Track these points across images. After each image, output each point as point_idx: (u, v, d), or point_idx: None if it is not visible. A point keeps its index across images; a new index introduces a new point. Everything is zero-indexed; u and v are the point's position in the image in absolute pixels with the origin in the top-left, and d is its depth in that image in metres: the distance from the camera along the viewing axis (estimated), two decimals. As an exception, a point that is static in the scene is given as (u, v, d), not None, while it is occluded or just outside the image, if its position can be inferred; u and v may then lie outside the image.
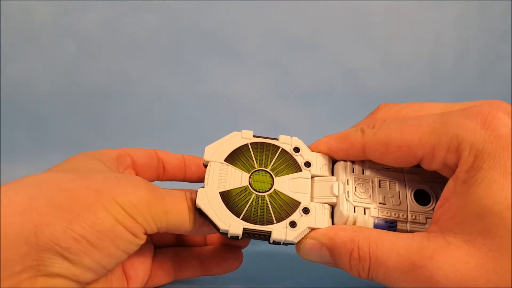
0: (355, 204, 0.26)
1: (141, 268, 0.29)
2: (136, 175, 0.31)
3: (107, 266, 0.24)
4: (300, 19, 0.61)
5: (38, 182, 0.23)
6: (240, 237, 0.25)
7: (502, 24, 0.61)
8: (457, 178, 0.22)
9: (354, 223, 0.26)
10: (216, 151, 0.28)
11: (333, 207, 0.27)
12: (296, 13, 0.60)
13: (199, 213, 0.26)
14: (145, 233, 0.25)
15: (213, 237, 0.33)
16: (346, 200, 0.26)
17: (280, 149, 0.29)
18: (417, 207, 0.27)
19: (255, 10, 0.60)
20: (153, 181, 0.33)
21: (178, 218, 0.25)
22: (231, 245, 0.32)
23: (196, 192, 0.27)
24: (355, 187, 0.27)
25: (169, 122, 0.59)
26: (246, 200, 0.26)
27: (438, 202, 0.24)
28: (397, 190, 0.27)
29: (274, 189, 0.27)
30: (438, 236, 0.22)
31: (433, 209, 0.26)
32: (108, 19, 0.59)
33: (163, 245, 0.32)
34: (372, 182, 0.27)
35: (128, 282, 0.28)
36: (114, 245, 0.23)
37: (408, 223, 0.26)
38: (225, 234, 0.25)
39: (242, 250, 0.32)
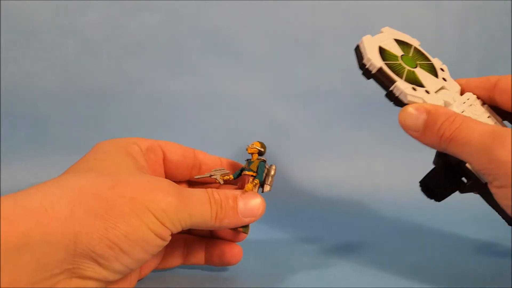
0: (463, 108, 0.31)
1: (155, 256, 0.30)
2: (166, 171, 0.32)
3: (134, 268, 0.26)
4: (300, 19, 0.61)
5: (79, 188, 0.25)
6: (373, 71, 0.30)
7: (502, 24, 0.61)
8: None
9: None
10: (390, 32, 0.35)
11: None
12: (296, 13, 0.60)
13: (355, 49, 0.32)
14: (171, 235, 0.27)
15: (221, 232, 0.34)
16: (460, 105, 0.32)
17: (431, 62, 0.35)
18: None
19: (255, 10, 0.60)
20: (185, 180, 0.34)
21: (201, 218, 0.27)
22: (232, 243, 0.33)
23: (217, 189, 0.29)
24: (470, 104, 0.32)
25: (169, 122, 0.59)
26: (392, 60, 0.32)
27: None
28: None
29: (414, 70, 0.32)
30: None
31: None
32: (108, 19, 0.59)
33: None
34: (484, 112, 0.33)
35: (141, 268, 0.30)
36: (143, 251, 0.25)
37: None
38: (363, 66, 0.31)
39: (242, 249, 0.33)
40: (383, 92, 0.31)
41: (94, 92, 0.59)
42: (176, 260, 0.33)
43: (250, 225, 0.31)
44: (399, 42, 0.34)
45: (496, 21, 0.62)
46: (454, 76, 0.35)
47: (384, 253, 0.38)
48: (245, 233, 0.31)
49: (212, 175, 0.31)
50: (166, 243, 0.26)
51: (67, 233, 0.23)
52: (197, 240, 0.33)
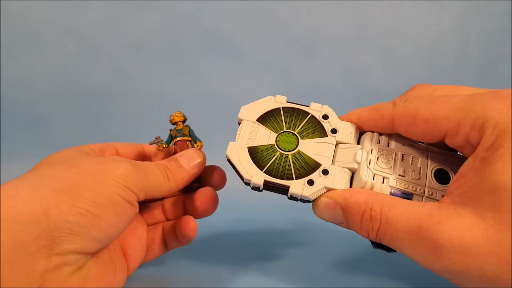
0: (375, 172, 0.27)
1: (139, 246, 0.32)
2: None
3: (112, 236, 0.27)
4: (300, 19, 0.61)
5: (38, 176, 0.26)
6: (261, 188, 0.28)
7: (502, 24, 0.61)
8: (477, 155, 0.23)
9: (371, 190, 0.27)
10: (250, 111, 0.30)
11: (353, 173, 0.28)
12: (297, 13, 0.60)
13: (228, 162, 0.29)
14: (138, 200, 0.28)
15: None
16: (367, 167, 0.27)
17: (310, 115, 0.30)
18: (436, 184, 0.27)
19: (255, 10, 0.60)
20: None
21: (157, 180, 0.29)
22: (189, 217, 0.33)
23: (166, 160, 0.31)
24: (377, 157, 0.28)
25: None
26: (270, 156, 0.28)
27: (454, 178, 0.24)
28: (419, 166, 0.28)
29: (298, 150, 0.29)
30: (450, 206, 0.23)
31: None
32: (108, 18, 0.59)
33: (154, 223, 0.35)
34: (395, 155, 0.28)
35: (128, 261, 0.31)
36: (115, 214, 0.26)
37: (424, 197, 0.26)
38: (248, 184, 0.28)
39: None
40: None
41: (94, 92, 0.59)
42: (159, 249, 0.33)
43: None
44: (265, 118, 0.30)
45: (496, 21, 0.62)
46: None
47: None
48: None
49: (152, 143, 0.36)
50: (135, 209, 0.28)
51: (35, 210, 0.23)
52: (173, 222, 0.34)
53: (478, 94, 0.24)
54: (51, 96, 0.58)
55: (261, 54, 0.60)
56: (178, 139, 0.34)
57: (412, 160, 0.28)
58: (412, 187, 0.27)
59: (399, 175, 0.27)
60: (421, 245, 0.23)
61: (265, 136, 0.29)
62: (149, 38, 0.60)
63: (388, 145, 0.28)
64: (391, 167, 0.27)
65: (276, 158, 0.28)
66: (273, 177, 0.27)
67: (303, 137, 0.29)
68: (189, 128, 0.35)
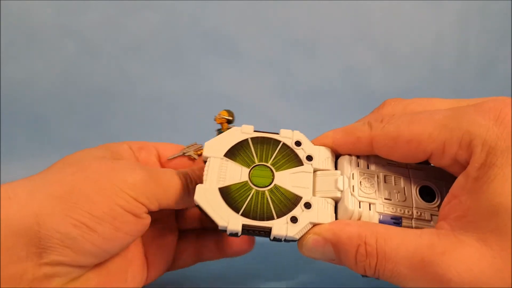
0: (360, 199, 0.25)
1: (164, 255, 0.30)
2: (163, 167, 0.32)
3: (110, 250, 0.25)
4: (300, 19, 0.61)
5: (41, 178, 0.25)
6: (239, 234, 0.25)
7: (502, 24, 0.61)
8: (468, 175, 0.22)
9: (359, 219, 0.25)
10: (215, 147, 0.28)
11: (336, 202, 0.26)
12: (296, 13, 0.60)
13: (198, 209, 0.26)
14: (148, 212, 0.26)
15: None
16: (351, 194, 0.25)
17: (281, 143, 0.28)
18: (422, 203, 0.26)
19: (255, 10, 0.60)
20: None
21: (174, 191, 0.27)
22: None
23: (189, 170, 0.28)
24: (360, 182, 0.26)
25: (169, 122, 0.59)
26: (245, 195, 0.26)
27: (446, 199, 0.23)
28: (402, 186, 0.27)
29: (275, 184, 0.26)
30: (449, 233, 0.22)
31: (438, 206, 0.26)
32: (108, 19, 0.59)
33: (188, 229, 0.33)
34: (377, 177, 0.27)
35: (149, 269, 0.29)
36: (113, 227, 0.24)
37: (413, 220, 0.25)
38: (223, 231, 0.25)
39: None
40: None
41: (94, 92, 0.59)
42: (190, 258, 0.32)
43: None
44: (234, 151, 0.27)
45: (496, 21, 0.62)
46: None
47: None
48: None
49: (185, 153, 0.31)
50: (144, 221, 0.26)
51: (27, 215, 0.22)
52: (208, 233, 0.32)
53: (460, 109, 0.23)
54: (51, 96, 0.58)
55: (261, 54, 0.60)
56: None
57: (394, 180, 0.27)
58: (400, 210, 0.25)
59: (385, 198, 0.26)
60: (426, 280, 0.21)
61: (237, 173, 0.26)
62: (149, 38, 0.60)
63: (368, 168, 0.27)
64: (375, 191, 0.26)
65: (252, 196, 0.26)
66: (251, 219, 0.25)
67: (278, 169, 0.27)
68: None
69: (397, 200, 0.26)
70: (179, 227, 0.33)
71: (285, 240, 0.25)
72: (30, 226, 0.22)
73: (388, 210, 0.25)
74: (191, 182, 0.27)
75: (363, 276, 0.26)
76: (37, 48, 0.58)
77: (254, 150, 0.28)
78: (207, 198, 0.25)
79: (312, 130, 0.63)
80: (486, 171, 0.21)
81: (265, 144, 0.28)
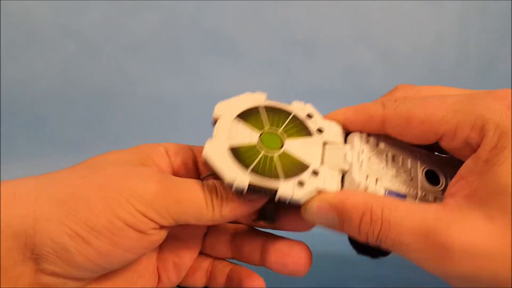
0: (368, 172, 0.25)
1: (177, 274, 0.28)
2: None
3: (107, 266, 0.23)
4: (300, 19, 0.61)
5: (51, 178, 0.23)
6: (244, 192, 0.24)
7: (502, 24, 0.61)
8: (478, 157, 0.22)
9: (365, 191, 0.25)
10: (228, 108, 0.28)
11: (343, 175, 0.26)
12: (296, 13, 0.60)
13: (204, 165, 0.25)
14: (160, 228, 0.24)
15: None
16: (359, 168, 0.26)
17: (293, 114, 0.28)
18: (428, 185, 0.26)
19: (255, 10, 0.60)
20: None
21: (193, 206, 0.24)
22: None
23: (213, 181, 0.26)
24: (369, 157, 0.26)
25: (169, 122, 0.59)
26: (254, 157, 0.25)
27: (453, 180, 0.23)
28: (409, 166, 0.27)
29: (284, 150, 0.26)
30: (455, 209, 0.22)
31: (442, 190, 0.26)
32: (108, 19, 0.59)
33: (216, 255, 0.30)
34: (386, 156, 0.27)
35: (159, 283, 0.28)
36: (111, 242, 0.22)
37: (417, 199, 0.26)
38: (229, 187, 0.24)
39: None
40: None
41: (94, 92, 0.59)
42: (197, 281, 0.30)
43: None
44: (245, 115, 0.27)
45: (496, 21, 0.62)
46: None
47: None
48: (270, 223, 0.28)
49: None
50: (151, 238, 0.24)
51: (26, 216, 0.21)
52: (221, 264, 0.30)
53: (473, 95, 0.24)
54: (51, 96, 0.58)
55: (261, 54, 0.60)
56: None
57: (402, 160, 0.27)
58: (406, 188, 0.26)
59: (391, 175, 0.26)
60: (429, 249, 0.21)
61: (247, 135, 0.26)
62: (149, 38, 0.60)
63: (377, 146, 0.27)
64: (383, 167, 0.26)
65: (260, 159, 0.25)
66: (259, 177, 0.24)
67: (288, 137, 0.27)
68: None
69: (404, 178, 0.26)
70: (205, 249, 0.30)
71: (290, 203, 0.25)
72: (27, 229, 0.21)
73: (394, 186, 0.26)
74: (216, 197, 0.25)
75: (358, 252, 0.27)
76: (37, 48, 0.58)
77: (266, 117, 0.27)
78: (216, 154, 0.25)
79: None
80: (497, 154, 0.21)
81: (276, 112, 0.28)
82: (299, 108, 0.28)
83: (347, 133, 0.28)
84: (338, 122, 0.28)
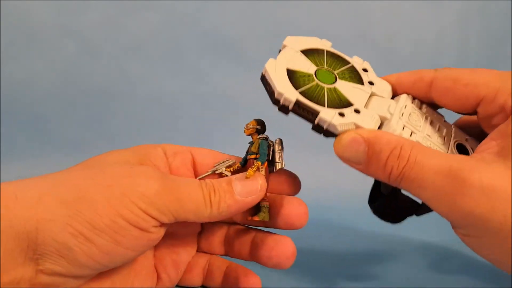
0: (406, 124, 0.27)
1: (175, 271, 0.29)
2: (198, 175, 0.30)
3: (108, 264, 0.24)
4: (300, 19, 0.61)
5: (53, 179, 0.24)
6: (290, 107, 0.26)
7: (502, 24, 0.61)
8: (510, 121, 0.24)
9: None
10: (295, 42, 0.30)
11: (382, 123, 0.27)
12: (296, 13, 0.60)
13: (261, 80, 0.28)
14: (160, 226, 0.24)
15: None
16: (399, 118, 0.27)
17: (351, 64, 0.30)
18: (456, 153, 0.28)
19: (255, 10, 0.60)
20: None
21: (193, 204, 0.25)
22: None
23: (210, 180, 0.26)
24: (409, 113, 0.28)
25: (169, 122, 0.59)
26: (307, 83, 0.27)
27: (483, 142, 0.25)
28: (444, 134, 0.28)
29: (335, 86, 0.28)
30: (479, 158, 0.23)
31: None
32: (108, 19, 0.59)
33: (211, 252, 0.31)
34: (426, 118, 0.28)
35: (158, 282, 0.28)
36: (113, 241, 0.23)
37: None
38: (277, 102, 0.26)
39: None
40: None
41: (94, 92, 0.59)
42: (194, 280, 0.30)
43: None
44: (308, 52, 0.30)
45: (496, 21, 0.62)
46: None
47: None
48: (263, 219, 0.28)
49: (216, 170, 0.29)
50: (152, 236, 0.24)
51: (29, 218, 0.21)
52: (220, 261, 0.31)
53: None
54: (51, 96, 0.58)
55: (261, 54, 0.60)
56: (248, 156, 0.29)
57: (439, 127, 0.29)
58: (436, 148, 0.27)
59: (426, 134, 0.27)
60: (448, 182, 0.22)
61: (306, 65, 0.29)
62: (149, 38, 0.60)
63: (420, 108, 0.29)
64: (420, 125, 0.28)
65: (312, 86, 0.27)
66: (306, 98, 0.26)
67: (341, 78, 0.29)
68: (261, 141, 0.29)
69: (437, 140, 0.28)
70: (201, 246, 0.31)
71: (325, 132, 0.26)
72: (30, 231, 0.21)
73: (426, 143, 0.27)
74: (214, 194, 0.25)
75: (374, 212, 0.28)
76: (37, 48, 0.58)
77: (326, 59, 0.30)
78: (275, 69, 0.27)
79: (312, 130, 0.63)
80: None
81: (336, 58, 0.30)
82: (357, 62, 0.31)
83: (394, 96, 0.30)
84: (390, 82, 0.30)
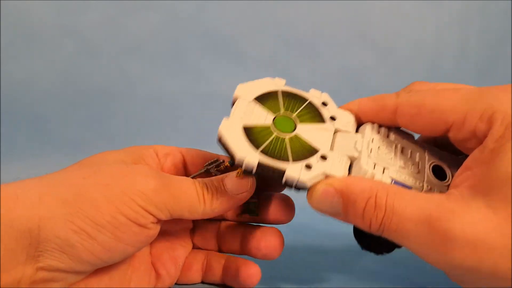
0: (376, 161, 0.26)
1: (172, 269, 0.29)
2: (189, 176, 0.31)
3: (108, 260, 0.24)
4: (300, 19, 0.61)
5: (52, 179, 0.24)
6: (254, 171, 0.25)
7: (502, 24, 0.61)
8: (485, 147, 0.22)
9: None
10: (247, 89, 0.29)
11: (352, 162, 0.26)
12: (296, 13, 0.60)
13: (218, 142, 0.26)
14: (156, 222, 0.25)
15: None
16: (368, 156, 0.26)
17: (308, 101, 0.29)
18: (434, 179, 0.26)
19: (255, 10, 0.60)
20: None
21: (187, 200, 0.26)
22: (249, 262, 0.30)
23: (207, 179, 0.27)
24: (378, 147, 0.26)
25: (169, 122, 0.59)
26: (266, 137, 0.26)
27: (459, 171, 0.24)
28: (417, 160, 0.27)
29: (295, 134, 0.27)
30: (458, 198, 0.22)
31: (448, 185, 0.26)
32: (108, 19, 0.59)
33: (205, 248, 0.32)
34: (395, 147, 0.27)
35: (157, 280, 0.29)
36: (115, 237, 0.23)
37: (423, 191, 0.25)
38: (239, 165, 0.25)
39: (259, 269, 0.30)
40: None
41: (94, 92, 0.59)
42: (193, 276, 0.31)
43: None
44: (263, 98, 0.28)
45: (496, 21, 0.62)
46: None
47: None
48: (254, 215, 0.29)
49: (206, 170, 0.30)
50: (150, 232, 0.25)
51: (31, 217, 0.22)
52: (219, 256, 0.31)
53: (485, 88, 0.24)
54: (51, 96, 0.58)
55: (261, 54, 0.60)
56: None
57: (411, 153, 0.27)
58: (412, 181, 0.26)
59: (399, 166, 0.26)
60: (430, 236, 0.21)
61: (262, 116, 0.27)
62: (149, 38, 0.60)
63: (387, 136, 0.28)
64: (391, 158, 0.26)
65: (272, 140, 0.26)
66: (268, 157, 0.25)
67: (301, 122, 0.28)
68: None
69: (411, 170, 0.26)
70: (195, 243, 0.32)
71: (296, 187, 0.25)
72: (32, 229, 0.22)
73: (401, 177, 0.26)
74: (206, 192, 0.26)
75: (362, 248, 0.27)
76: (37, 48, 0.58)
77: (282, 101, 0.29)
78: (230, 132, 0.26)
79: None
80: (503, 144, 0.21)
81: (293, 98, 0.29)
82: (315, 96, 0.29)
83: (359, 125, 0.29)
84: (352, 111, 0.29)
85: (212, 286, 0.31)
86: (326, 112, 0.28)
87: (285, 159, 0.25)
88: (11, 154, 0.55)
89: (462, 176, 0.23)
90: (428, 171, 0.27)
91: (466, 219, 0.21)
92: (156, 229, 0.25)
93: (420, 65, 0.62)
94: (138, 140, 0.57)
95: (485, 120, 0.23)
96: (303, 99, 0.29)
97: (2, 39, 0.57)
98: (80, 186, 0.24)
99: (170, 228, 0.31)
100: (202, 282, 0.32)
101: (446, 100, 0.24)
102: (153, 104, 0.59)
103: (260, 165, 0.25)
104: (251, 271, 0.29)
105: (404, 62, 0.61)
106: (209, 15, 0.59)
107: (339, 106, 0.29)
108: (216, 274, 0.31)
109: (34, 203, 0.22)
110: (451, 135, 0.25)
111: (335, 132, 0.28)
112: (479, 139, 0.23)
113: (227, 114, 0.27)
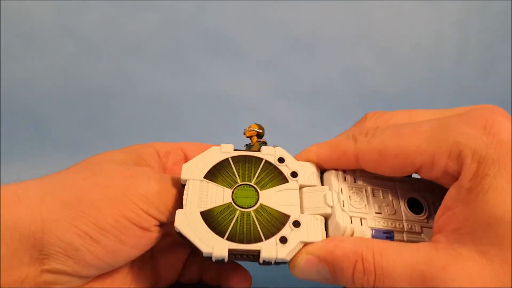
0: (351, 214, 0.24)
1: (173, 269, 0.29)
2: None
3: (113, 263, 0.24)
4: (300, 19, 0.61)
5: (53, 181, 0.24)
6: (226, 260, 0.23)
7: (502, 24, 0.61)
8: (461, 186, 0.21)
9: (351, 235, 0.24)
10: (194, 168, 0.26)
11: (326, 218, 0.25)
12: (296, 13, 0.60)
13: (179, 236, 0.24)
14: (159, 225, 0.25)
15: None
16: (342, 210, 0.24)
17: (264, 161, 0.27)
18: (412, 216, 0.25)
19: (255, 10, 0.60)
20: None
21: None
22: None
23: None
24: (349, 196, 0.25)
25: (169, 122, 0.59)
26: (230, 218, 0.24)
27: (439, 211, 0.23)
28: (390, 199, 0.26)
29: (260, 204, 0.25)
30: (447, 247, 0.21)
31: (426, 217, 0.26)
32: (108, 19, 0.59)
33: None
34: (365, 191, 0.26)
35: (157, 281, 0.29)
36: (118, 240, 0.23)
37: (404, 233, 0.25)
38: (209, 258, 0.23)
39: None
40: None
41: (94, 92, 0.59)
42: (191, 276, 0.31)
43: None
44: (214, 171, 0.26)
45: (496, 21, 0.62)
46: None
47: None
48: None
49: None
50: (153, 235, 0.24)
51: (34, 219, 0.22)
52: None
53: (445, 119, 0.23)
54: (51, 96, 0.58)
55: (261, 54, 0.60)
56: None
57: (382, 194, 0.26)
58: (391, 224, 0.25)
59: (375, 212, 0.25)
60: None
61: (219, 195, 0.25)
62: (149, 38, 0.60)
63: (355, 182, 0.26)
64: (365, 205, 0.25)
65: (237, 218, 0.24)
66: (238, 243, 0.23)
67: (262, 188, 0.25)
68: (260, 145, 0.28)
69: (387, 213, 0.25)
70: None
71: (276, 263, 0.23)
72: (35, 231, 0.22)
73: (380, 224, 0.25)
74: None
75: None
76: (37, 48, 0.58)
77: (236, 170, 0.26)
78: (189, 223, 0.23)
79: (312, 130, 0.63)
80: (479, 182, 0.21)
81: (247, 162, 0.27)
82: (269, 154, 0.27)
83: (322, 171, 0.27)
84: (311, 161, 0.27)
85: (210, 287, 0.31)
86: (285, 169, 0.26)
87: (257, 237, 0.23)
88: (11, 154, 0.55)
89: (444, 217, 0.22)
90: (404, 208, 0.26)
91: (461, 273, 0.20)
92: (160, 231, 0.25)
93: (420, 65, 0.62)
94: (138, 140, 0.57)
95: (454, 158, 0.22)
96: (258, 160, 0.27)
97: (2, 39, 0.57)
98: (81, 188, 0.23)
99: (170, 228, 0.31)
100: (200, 283, 0.32)
101: (409, 142, 0.23)
102: (153, 104, 0.59)
103: (231, 253, 0.23)
104: (241, 276, 0.29)
105: (404, 62, 0.61)
106: (209, 15, 0.59)
107: (295, 156, 0.27)
108: (212, 276, 0.31)
109: (35, 204, 0.22)
110: (422, 175, 0.24)
111: (301, 188, 0.26)
112: (453, 176, 0.22)
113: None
